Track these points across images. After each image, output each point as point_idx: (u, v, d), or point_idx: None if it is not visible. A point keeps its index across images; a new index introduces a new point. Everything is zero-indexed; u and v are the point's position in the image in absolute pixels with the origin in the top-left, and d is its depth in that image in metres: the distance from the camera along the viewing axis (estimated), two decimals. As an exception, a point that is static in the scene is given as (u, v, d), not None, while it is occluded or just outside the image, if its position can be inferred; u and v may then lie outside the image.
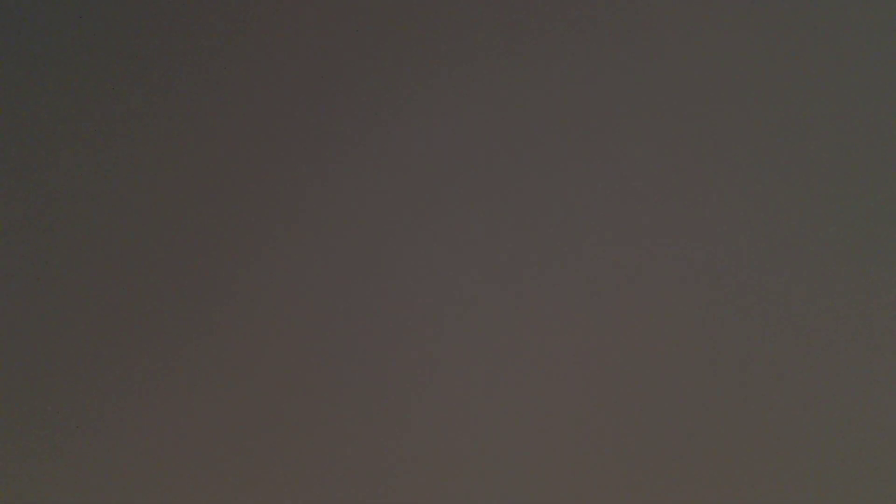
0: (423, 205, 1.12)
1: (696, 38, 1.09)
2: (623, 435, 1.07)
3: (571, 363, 1.08)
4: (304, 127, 1.15)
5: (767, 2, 1.08)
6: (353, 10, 1.15)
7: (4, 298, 1.17)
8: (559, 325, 1.09)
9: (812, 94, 1.07)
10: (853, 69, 1.06)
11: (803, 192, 1.06)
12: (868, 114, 1.06)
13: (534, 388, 1.09)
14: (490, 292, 1.10)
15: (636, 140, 1.09)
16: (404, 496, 1.09)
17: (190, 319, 1.14)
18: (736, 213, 1.07)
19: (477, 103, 1.12)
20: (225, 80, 1.16)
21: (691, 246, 1.07)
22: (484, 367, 1.09)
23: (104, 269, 1.16)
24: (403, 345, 1.11)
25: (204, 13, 1.17)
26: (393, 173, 1.13)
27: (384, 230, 1.12)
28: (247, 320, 1.13)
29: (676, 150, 1.08)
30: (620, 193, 1.09)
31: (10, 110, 1.19)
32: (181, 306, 1.14)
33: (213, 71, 1.17)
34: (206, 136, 1.16)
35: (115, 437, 1.14)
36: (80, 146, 1.17)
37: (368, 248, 1.12)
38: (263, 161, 1.15)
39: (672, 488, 1.06)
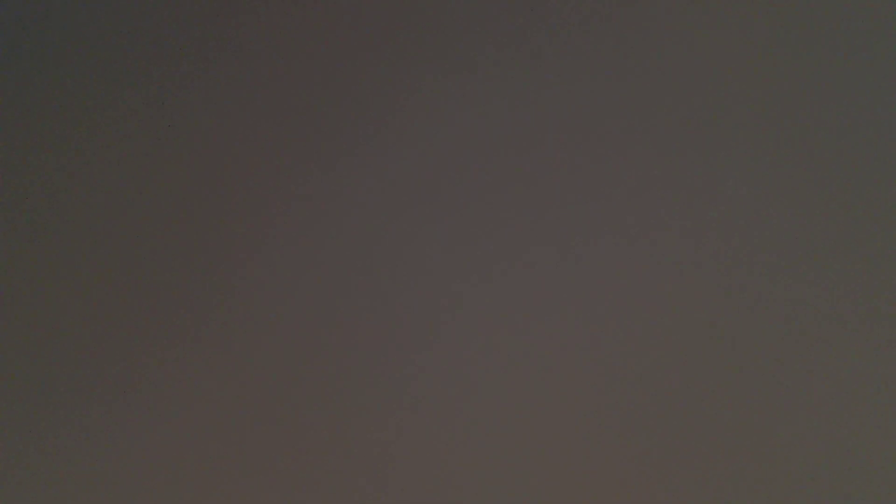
0: (421, 204, 1.12)
1: (695, 39, 1.09)
2: (622, 436, 1.07)
3: (570, 364, 1.08)
4: (302, 127, 1.15)
5: (767, 2, 1.08)
6: (353, 10, 1.15)
7: (4, 298, 1.17)
8: (558, 325, 1.09)
9: (813, 94, 1.07)
10: (853, 69, 1.07)
11: (804, 192, 1.06)
12: (868, 114, 1.06)
13: (532, 389, 1.09)
14: (489, 292, 1.10)
15: (635, 139, 1.09)
16: (402, 496, 1.10)
17: (187, 318, 1.14)
18: (738, 212, 1.07)
19: (475, 103, 1.12)
20: (224, 79, 1.16)
21: (691, 246, 1.07)
22: (483, 367, 1.10)
23: (104, 268, 1.16)
24: (401, 345, 1.11)
25: (204, 12, 1.17)
26: (391, 173, 1.13)
27: (382, 230, 1.12)
28: (243, 320, 1.13)
29: (676, 150, 1.09)
30: (620, 193, 1.09)
31: (10, 110, 1.19)
32: (178, 305, 1.14)
33: (213, 70, 1.17)
34: (204, 135, 1.16)
35: (113, 436, 1.14)
36: (80, 146, 1.18)
37: (366, 248, 1.12)
38: (261, 160, 1.15)
39: (672, 488, 1.06)
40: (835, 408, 1.04)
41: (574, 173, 1.10)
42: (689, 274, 1.07)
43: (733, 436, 1.05)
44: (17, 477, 1.15)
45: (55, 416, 1.15)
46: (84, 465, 1.14)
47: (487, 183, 1.11)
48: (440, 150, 1.12)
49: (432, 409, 1.10)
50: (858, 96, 1.06)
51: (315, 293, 1.13)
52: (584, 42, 1.11)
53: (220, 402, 1.13)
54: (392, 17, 1.15)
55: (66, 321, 1.16)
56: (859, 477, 1.03)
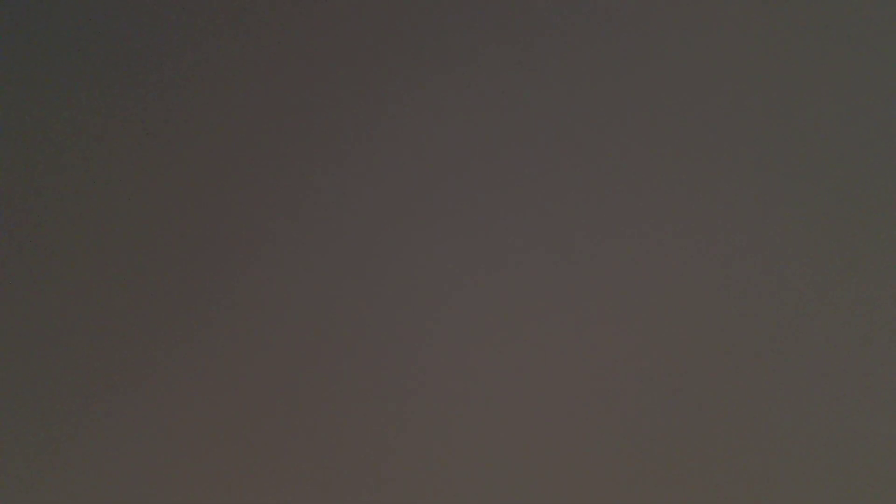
0: (420, 204, 1.12)
1: (694, 38, 1.09)
2: (621, 435, 1.07)
3: (570, 363, 1.08)
4: (302, 126, 1.15)
5: (767, 2, 1.08)
6: (352, 10, 1.15)
7: (4, 298, 1.17)
8: (557, 324, 1.09)
9: (813, 93, 1.07)
10: (853, 69, 1.07)
11: (804, 191, 1.06)
12: (868, 114, 1.06)
13: (532, 389, 1.09)
14: (490, 292, 1.10)
15: (634, 138, 1.09)
16: (402, 496, 1.09)
17: (187, 318, 1.14)
18: (737, 211, 1.07)
19: (474, 102, 1.12)
20: (224, 79, 1.16)
21: (691, 245, 1.07)
22: (484, 367, 1.09)
23: (104, 268, 1.16)
24: (400, 344, 1.11)
25: (205, 12, 1.17)
26: (391, 172, 1.13)
27: (381, 229, 1.12)
28: (243, 319, 1.13)
29: (676, 150, 1.09)
30: (619, 192, 1.09)
31: (9, 110, 1.19)
32: (178, 304, 1.14)
33: (213, 70, 1.17)
34: (204, 135, 1.16)
35: (112, 437, 1.14)
36: (81, 146, 1.18)
37: (366, 247, 1.12)
38: (260, 160, 1.15)
39: (672, 487, 1.06)
40: (835, 407, 1.04)
41: (575, 173, 1.10)
42: (688, 273, 1.07)
43: (733, 435, 1.05)
44: (17, 477, 1.15)
45: (55, 415, 1.15)
46: (84, 464, 1.14)
47: (487, 183, 1.11)
48: (439, 150, 1.12)
49: (432, 409, 1.10)
50: (858, 96, 1.06)
51: (314, 292, 1.13)
52: (583, 41, 1.11)
53: (220, 401, 1.13)
54: (391, 16, 1.14)
55: (67, 321, 1.16)
56: (859, 476, 1.03)
